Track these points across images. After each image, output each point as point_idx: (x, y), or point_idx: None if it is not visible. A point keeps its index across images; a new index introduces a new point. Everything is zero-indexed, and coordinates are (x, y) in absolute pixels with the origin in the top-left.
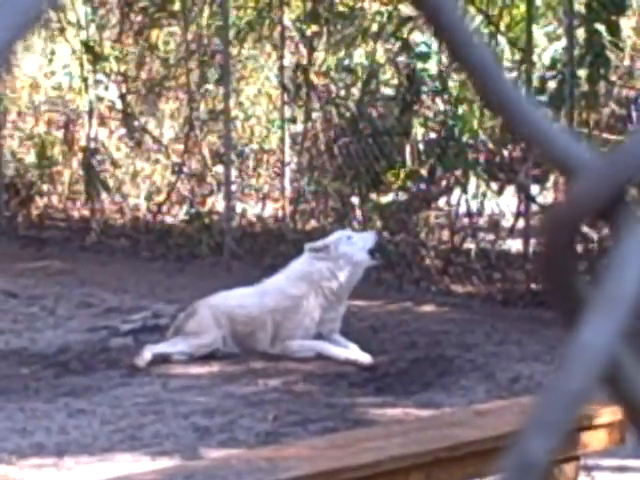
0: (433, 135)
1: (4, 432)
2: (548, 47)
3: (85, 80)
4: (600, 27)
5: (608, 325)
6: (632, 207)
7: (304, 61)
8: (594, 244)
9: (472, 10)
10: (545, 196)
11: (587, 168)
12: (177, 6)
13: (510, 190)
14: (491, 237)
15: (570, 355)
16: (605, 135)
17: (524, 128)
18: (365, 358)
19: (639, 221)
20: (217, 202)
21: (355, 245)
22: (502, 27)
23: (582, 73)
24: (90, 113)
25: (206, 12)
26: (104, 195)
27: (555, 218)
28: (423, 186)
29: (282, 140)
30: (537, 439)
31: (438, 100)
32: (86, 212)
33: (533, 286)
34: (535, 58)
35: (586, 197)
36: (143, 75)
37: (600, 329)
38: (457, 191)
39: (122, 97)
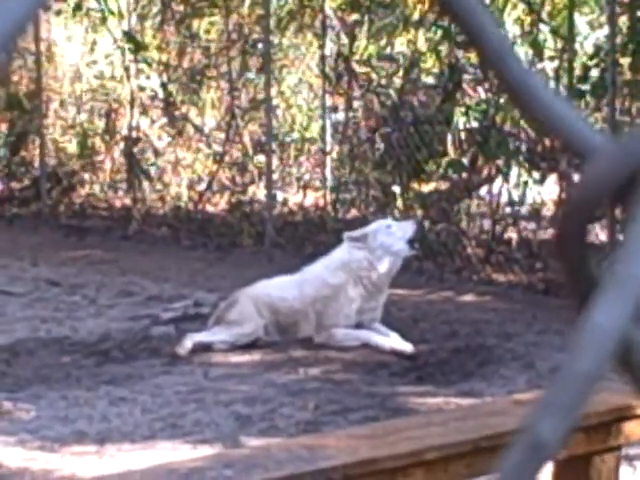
0: (475, 124)
1: (46, 420)
2: (590, 35)
3: (127, 69)
4: None
5: (620, 307)
6: None
7: (345, 50)
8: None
9: None
10: None
11: (600, 151)
12: None
13: (552, 179)
14: (533, 226)
15: (582, 337)
16: None
17: (539, 112)
18: (407, 347)
19: None
20: (258, 191)
21: (394, 235)
22: (544, 15)
23: (625, 61)
24: (132, 102)
25: (247, 1)
26: (145, 184)
27: (570, 201)
28: (464, 175)
29: (323, 129)
30: (548, 419)
31: (480, 89)
32: (128, 201)
33: None
34: (577, 46)
35: (599, 180)
36: (184, 64)
37: (612, 310)
38: (499, 180)
39: (163, 86)
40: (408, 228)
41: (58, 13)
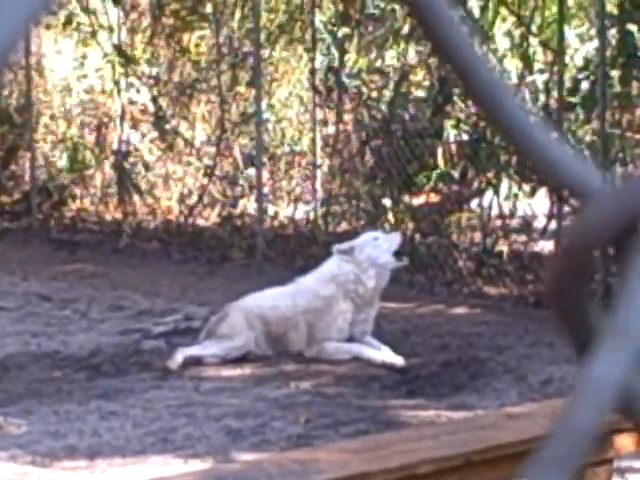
0: (465, 137)
1: (37, 435)
2: (580, 48)
3: (117, 83)
4: (632, 28)
5: (619, 360)
6: None
7: (335, 63)
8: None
9: (504, 11)
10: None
11: (600, 195)
12: (209, 9)
13: (542, 191)
14: (523, 239)
15: (581, 390)
16: (638, 136)
17: (535, 153)
18: (398, 360)
19: None
20: (249, 204)
21: (380, 247)
22: (534, 28)
23: (615, 74)
24: (122, 116)
25: (237, 15)
26: (136, 198)
27: (568, 244)
28: (455, 188)
29: (314, 142)
30: (546, 477)
31: (470, 102)
32: (118, 215)
33: None
34: (567, 59)
35: (598, 225)
36: (175, 78)
37: (611, 364)
38: (489, 193)
39: (154, 100)
40: (394, 240)
41: (48, 27)
